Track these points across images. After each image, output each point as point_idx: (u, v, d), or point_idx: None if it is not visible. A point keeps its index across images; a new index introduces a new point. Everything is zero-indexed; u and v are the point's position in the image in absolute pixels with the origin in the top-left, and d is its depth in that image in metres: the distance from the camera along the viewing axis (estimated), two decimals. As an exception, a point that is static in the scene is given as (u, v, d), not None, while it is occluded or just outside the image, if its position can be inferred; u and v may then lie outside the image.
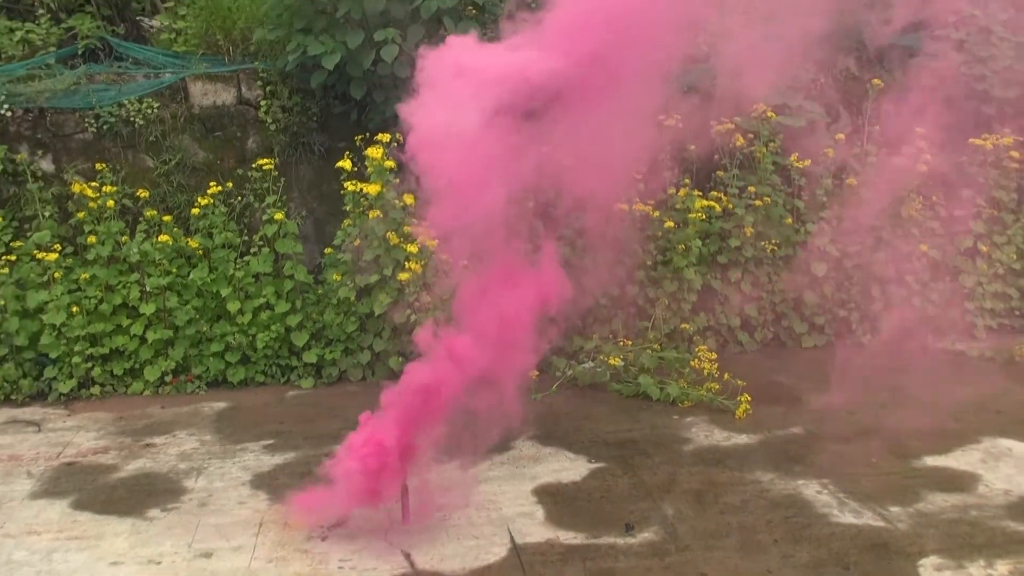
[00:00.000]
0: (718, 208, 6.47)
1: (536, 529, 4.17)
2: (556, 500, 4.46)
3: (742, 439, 5.15)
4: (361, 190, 5.99)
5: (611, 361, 5.77)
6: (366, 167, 6.12)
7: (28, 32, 7.14)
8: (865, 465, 4.79)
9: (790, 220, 6.67)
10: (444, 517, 4.30)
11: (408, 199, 6.06)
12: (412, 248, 5.73)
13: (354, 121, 6.79)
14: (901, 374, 6.11)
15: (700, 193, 6.47)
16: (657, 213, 6.41)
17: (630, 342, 6.13)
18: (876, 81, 7.18)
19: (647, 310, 6.34)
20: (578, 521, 4.24)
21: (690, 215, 6.27)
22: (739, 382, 5.57)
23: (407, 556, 3.96)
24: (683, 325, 6.26)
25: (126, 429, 5.51)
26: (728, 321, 6.58)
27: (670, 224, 6.32)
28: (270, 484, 4.72)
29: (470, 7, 6.62)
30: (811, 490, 4.50)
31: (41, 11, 7.20)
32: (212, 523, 4.30)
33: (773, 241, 6.58)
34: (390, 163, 6.01)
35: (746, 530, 4.12)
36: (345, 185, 6.10)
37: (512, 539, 4.08)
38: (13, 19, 7.31)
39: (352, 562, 3.92)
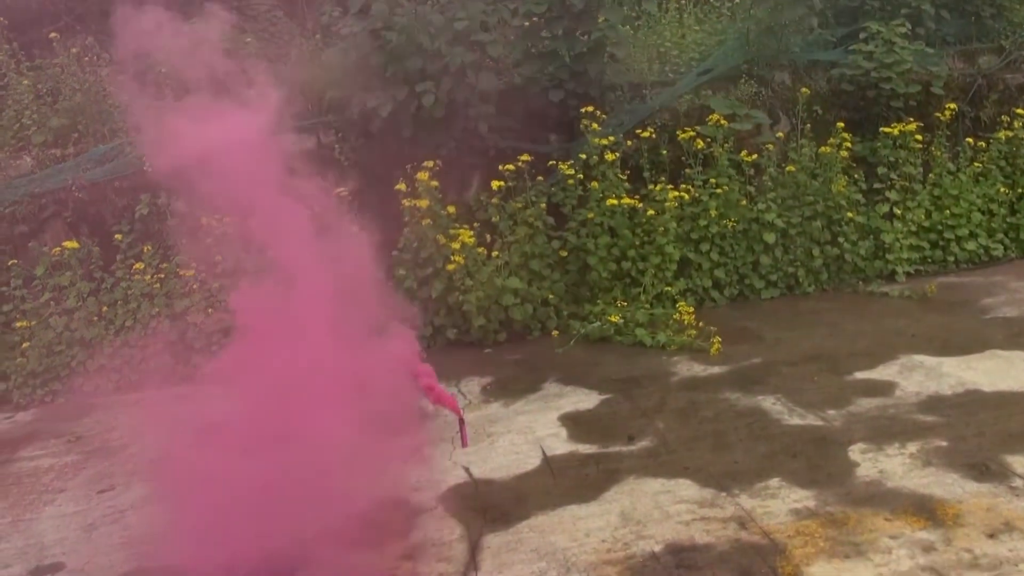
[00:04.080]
0: (687, 197, 6.62)
1: (561, 444, 4.41)
2: (576, 423, 4.69)
3: (715, 370, 5.32)
4: (415, 204, 6.25)
5: (611, 319, 5.96)
6: (417, 187, 6.38)
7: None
8: (809, 382, 4.94)
9: (744, 202, 6.80)
10: (492, 441, 4.55)
11: (450, 209, 6.32)
12: (455, 245, 5.98)
13: (407, 154, 7.04)
14: (838, 313, 6.25)
15: (672, 186, 6.63)
16: (641, 205, 6.59)
17: (626, 304, 6.32)
18: (804, 90, 7.29)
19: (639, 279, 6.51)
20: (592, 436, 4.47)
21: (666, 204, 6.43)
22: (712, 328, 5.75)
23: (466, 470, 4.22)
24: (666, 288, 6.42)
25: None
26: (702, 283, 6.73)
27: (652, 212, 6.49)
28: (363, 427, 5.01)
29: (488, 59, 6.83)
30: (768, 403, 4.68)
31: (167, 91, 7.52)
32: (323, 457, 4.60)
33: (732, 219, 6.71)
34: (434, 183, 6.27)
35: (718, 435, 4.32)
36: (402, 202, 6.36)
37: (543, 452, 4.32)
38: (156, 98, 7.66)
39: (426, 477, 4.19)
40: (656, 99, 7.41)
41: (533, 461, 4.24)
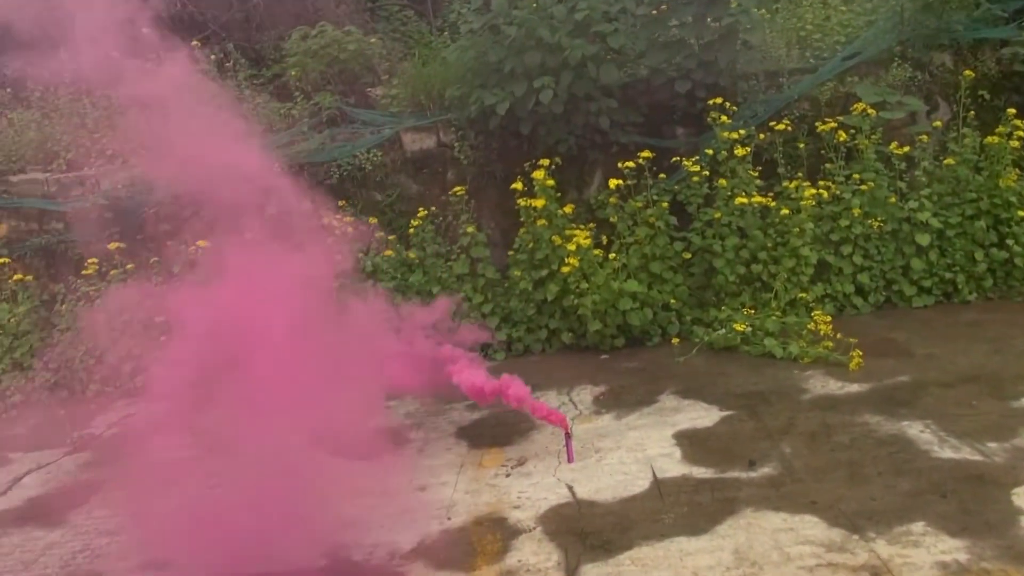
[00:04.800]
0: (826, 195, 6.03)
1: (674, 466, 4.07)
2: (692, 442, 4.32)
3: (854, 388, 4.79)
4: (530, 204, 6.04)
5: (737, 327, 5.50)
6: (533, 186, 6.17)
7: (290, 109, 7.69)
8: (966, 407, 4.33)
9: (894, 199, 6.12)
10: (600, 458, 4.27)
11: (567, 208, 6.06)
12: (571, 247, 5.72)
13: (525, 151, 6.85)
14: (1004, 326, 5.49)
15: (809, 183, 6.06)
16: (774, 203, 6.07)
17: (755, 311, 5.83)
18: (968, 72, 6.47)
19: (770, 284, 6.00)
20: (709, 459, 4.10)
21: (802, 202, 5.88)
22: (852, 340, 5.17)
23: (570, 488, 3.97)
24: (801, 294, 5.87)
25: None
26: (843, 289, 6.12)
27: (786, 211, 5.96)
28: (470, 434, 4.86)
29: (610, 51, 6.51)
30: (914, 430, 4.13)
31: (297, 93, 7.72)
32: (427, 464, 4.49)
33: (879, 219, 6.06)
34: (550, 182, 6.03)
35: (853, 465, 3.84)
36: (518, 201, 6.17)
37: (654, 474, 4.00)
38: (283, 101, 7.90)
39: (528, 493, 3.98)
40: (794, 88, 6.81)
41: (642, 483, 3.93)
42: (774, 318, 5.66)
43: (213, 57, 7.84)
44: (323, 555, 3.62)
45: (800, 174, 6.24)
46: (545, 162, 6.14)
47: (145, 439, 5.39)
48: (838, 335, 5.26)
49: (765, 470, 3.90)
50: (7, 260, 6.96)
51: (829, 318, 5.48)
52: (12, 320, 6.67)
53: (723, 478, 3.87)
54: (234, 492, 4.37)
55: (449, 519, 3.82)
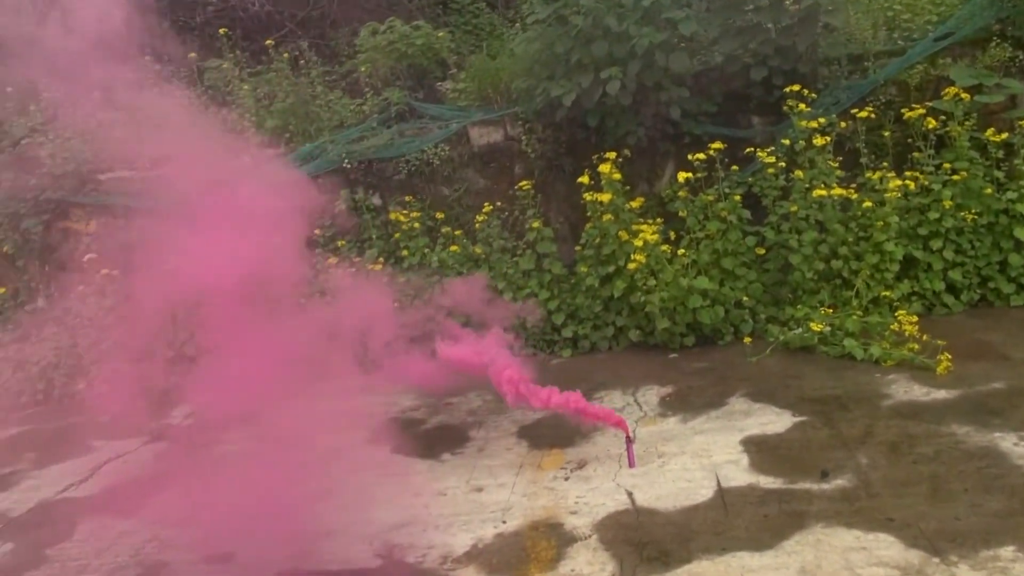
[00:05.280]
0: (913, 186, 5.65)
1: (740, 474, 3.88)
2: (760, 449, 4.12)
3: (941, 394, 4.46)
4: (596, 199, 5.89)
5: (814, 327, 5.22)
6: (601, 180, 6.01)
7: (360, 105, 7.75)
8: (1067, 418, 3.99)
9: (990, 190, 5.68)
10: (663, 463, 4.12)
11: (634, 203, 5.89)
12: (637, 243, 5.54)
13: (593, 144, 6.69)
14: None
15: (894, 174, 5.69)
16: (856, 195, 5.73)
17: (832, 311, 5.52)
18: (1078, 50, 5.95)
19: (851, 281, 5.67)
20: (778, 468, 3.89)
21: (886, 194, 5.52)
22: (940, 342, 4.83)
23: (629, 495, 3.84)
24: (885, 292, 5.52)
25: (434, 391, 5.81)
26: (932, 286, 5.73)
27: (869, 204, 5.61)
28: (531, 434, 4.78)
29: (680, 38, 6.27)
30: (1007, 442, 3.81)
31: (367, 89, 7.77)
32: (485, 464, 4.43)
33: (973, 211, 5.64)
34: (617, 175, 5.86)
35: (937, 479, 3.57)
36: (584, 196, 6.02)
37: (718, 482, 3.83)
38: (355, 97, 7.96)
39: (586, 499, 3.87)
40: (881, 72, 6.40)
41: (705, 492, 3.76)
42: (855, 317, 5.34)
43: (286, 55, 7.95)
44: (378, 555, 3.61)
45: (885, 164, 5.88)
46: (612, 155, 5.97)
47: (217, 431, 5.55)
48: (925, 336, 4.92)
49: (839, 482, 3.67)
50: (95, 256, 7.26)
51: (915, 318, 5.14)
52: (100, 313, 6.95)
53: (792, 489, 3.66)
54: (297, 487, 4.44)
55: (504, 522, 3.75)
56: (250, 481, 4.60)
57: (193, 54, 8.76)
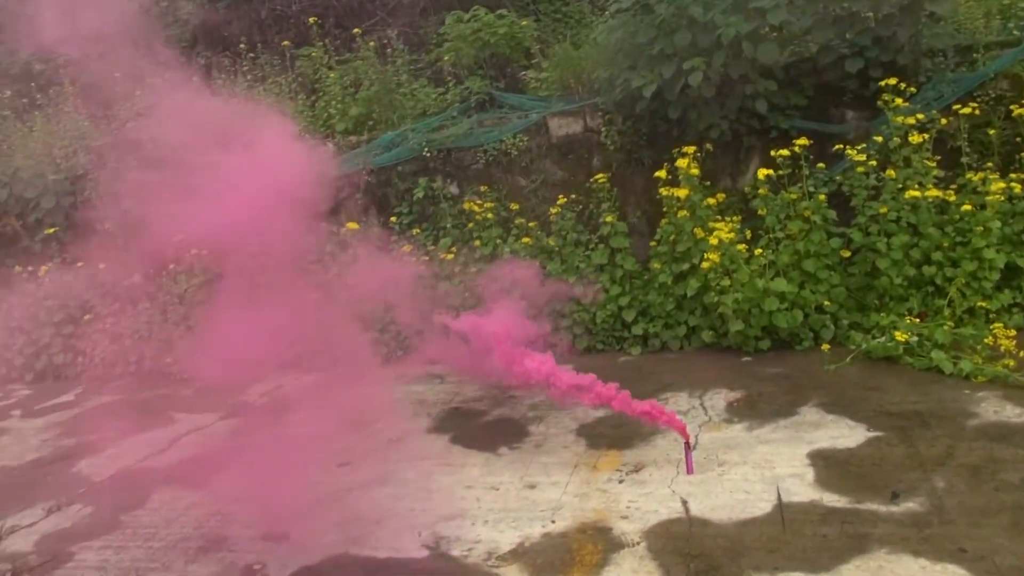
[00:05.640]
0: (1018, 188, 5.23)
1: (803, 489, 3.69)
2: (828, 464, 3.91)
3: (1035, 416, 4.13)
4: (672, 194, 5.73)
5: (898, 336, 4.91)
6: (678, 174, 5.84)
7: (443, 94, 7.80)
8: None
9: (1115, 195, 5.20)
10: (723, 472, 3.97)
11: (710, 200, 5.69)
12: (712, 241, 5.35)
13: (675, 136, 6.51)
14: None
15: (997, 175, 5.28)
16: (954, 197, 5.35)
17: (920, 320, 5.18)
18: None
19: (944, 289, 5.31)
20: (844, 485, 3.68)
21: (987, 197, 5.14)
22: (1040, 359, 4.48)
23: (684, 503, 3.72)
24: (981, 303, 5.14)
25: (499, 383, 5.78)
26: (1036, 297, 5.31)
27: (968, 207, 5.24)
28: (590, 433, 4.70)
29: (769, 28, 6.00)
30: (1106, 474, 3.49)
31: (449, 78, 7.80)
32: (541, 461, 4.39)
33: (1087, 218, 5.19)
34: (695, 170, 5.68)
35: (1020, 510, 3.30)
36: (660, 190, 5.87)
37: (779, 496, 3.66)
38: (438, 86, 8.02)
39: (639, 504, 3.77)
40: (991, 64, 5.95)
41: (763, 505, 3.60)
42: (946, 328, 5.00)
43: (372, 44, 8.07)
44: (424, 546, 3.62)
45: (989, 164, 5.47)
46: (690, 149, 5.79)
47: (289, 410, 5.72)
48: (1021, 353, 4.56)
49: (909, 505, 3.44)
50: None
51: (1014, 332, 4.77)
52: (187, 290, 7.28)
53: (858, 509, 3.46)
54: (357, 472, 4.53)
55: (553, 522, 3.70)
56: (312, 463, 4.73)
57: (286, 42, 9.03)
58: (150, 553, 3.88)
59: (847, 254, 5.60)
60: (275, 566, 3.62)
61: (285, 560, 3.65)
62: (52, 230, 7.88)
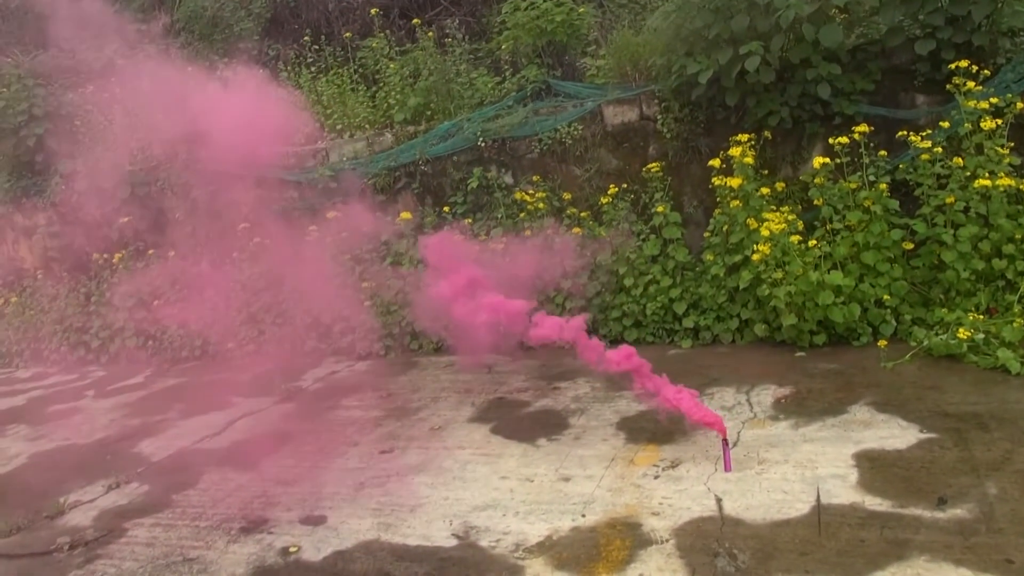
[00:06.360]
0: (1105, 176, 4.90)
1: (844, 491, 3.56)
2: (874, 466, 3.75)
3: (1107, 421, 3.86)
4: (726, 183, 5.58)
5: (960, 333, 4.67)
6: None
7: (500, 83, 7.80)
8: None
9: None
10: (762, 471, 3.86)
11: (765, 189, 5.52)
12: (764, 232, 5.20)
13: (734, 124, 6.34)
14: None
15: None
16: (1029, 186, 5.05)
17: (988, 316, 4.91)
18: None
19: (1017, 284, 5.02)
20: (889, 488, 3.52)
21: (1069, 185, 4.82)
22: (1119, 360, 4.18)
23: (718, 501, 3.64)
24: (1054, 299, 4.85)
25: (544, 375, 5.81)
26: (1125, 294, 4.96)
27: (1047, 196, 4.93)
28: (631, 427, 4.64)
29: (833, 9, 5.76)
30: None
31: (506, 67, 7.79)
32: (578, 454, 4.36)
33: None
34: (749, 159, 5.51)
35: (1078, 521, 3.10)
36: (713, 180, 5.73)
37: (818, 497, 3.53)
38: (497, 75, 8.01)
39: (671, 500, 3.71)
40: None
41: (801, 506, 3.48)
42: (1015, 325, 4.72)
43: (430, 34, 8.13)
44: (454, 535, 3.66)
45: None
46: (744, 137, 5.62)
47: (341, 396, 5.86)
48: (1096, 353, 4.27)
49: (956, 512, 3.27)
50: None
51: (1089, 331, 4.47)
52: (252, 279, 7.52)
53: (900, 514, 3.31)
54: (397, 459, 4.61)
55: (583, 516, 3.68)
56: (356, 450, 4.85)
57: (348, 33, 9.19)
58: (196, 532, 4.04)
59: (910, 246, 5.35)
60: (310, 549, 3.71)
61: (319, 543, 3.74)
62: (127, 219, 8.26)
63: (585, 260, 6.22)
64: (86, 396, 6.92)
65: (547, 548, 3.46)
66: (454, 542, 3.61)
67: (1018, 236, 5.02)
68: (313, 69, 8.82)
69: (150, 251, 8.05)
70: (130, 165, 8.57)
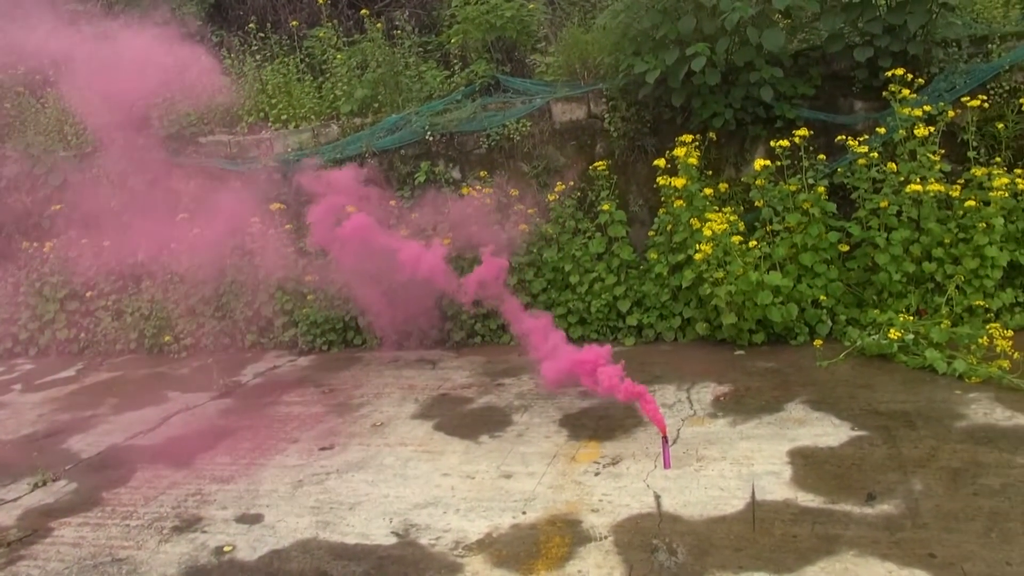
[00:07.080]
0: (1023, 185, 5.09)
1: (778, 488, 3.64)
2: (807, 463, 3.85)
3: (1025, 420, 4.03)
4: (670, 183, 5.65)
5: (891, 334, 4.81)
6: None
7: (449, 78, 7.74)
8: None
9: (1123, 193, 5.05)
10: (700, 468, 3.92)
11: (708, 190, 5.61)
12: (706, 232, 5.27)
13: (679, 125, 6.41)
14: None
15: (1002, 171, 5.14)
16: (958, 192, 5.22)
17: (918, 317, 5.08)
18: None
19: (945, 286, 5.20)
20: (821, 485, 3.62)
21: (992, 193, 5.00)
22: (1036, 361, 4.36)
23: (657, 498, 3.69)
24: (979, 302, 5.01)
25: (489, 371, 5.80)
26: (1041, 297, 5.17)
27: (972, 203, 5.11)
28: (573, 424, 4.67)
29: (777, 14, 5.87)
30: (1091, 482, 3.40)
31: (456, 61, 7.74)
32: (520, 451, 4.37)
33: (1096, 217, 5.04)
34: (693, 160, 5.59)
35: (997, 516, 3.22)
36: (658, 180, 5.79)
37: (753, 494, 3.61)
38: (446, 69, 7.95)
39: (611, 497, 3.74)
40: (1007, 56, 5.78)
41: (736, 503, 3.55)
42: (942, 326, 4.89)
43: (379, 25, 8.03)
44: (394, 532, 3.63)
45: (998, 160, 5.33)
46: (688, 138, 5.70)
47: (282, 392, 5.75)
48: (1016, 354, 4.45)
49: (884, 507, 3.38)
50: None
51: (1011, 333, 4.65)
52: (190, 270, 7.33)
53: (831, 510, 3.41)
54: (338, 456, 4.55)
55: (524, 513, 3.69)
56: (293, 445, 4.77)
57: (295, 22, 9.01)
58: (126, 531, 3.92)
59: (846, 248, 5.50)
60: (245, 548, 3.64)
61: (255, 543, 3.67)
62: (59, 207, 7.96)
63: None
64: (13, 390, 6.66)
65: (487, 545, 3.46)
66: (393, 540, 3.58)
67: (947, 240, 5.20)
68: (258, 57, 8.62)
69: (83, 240, 7.77)
70: (64, 151, 8.27)
